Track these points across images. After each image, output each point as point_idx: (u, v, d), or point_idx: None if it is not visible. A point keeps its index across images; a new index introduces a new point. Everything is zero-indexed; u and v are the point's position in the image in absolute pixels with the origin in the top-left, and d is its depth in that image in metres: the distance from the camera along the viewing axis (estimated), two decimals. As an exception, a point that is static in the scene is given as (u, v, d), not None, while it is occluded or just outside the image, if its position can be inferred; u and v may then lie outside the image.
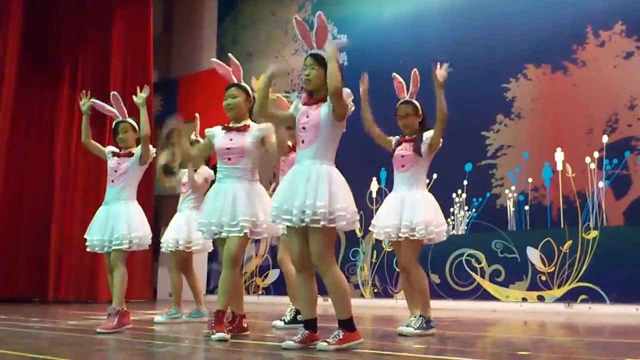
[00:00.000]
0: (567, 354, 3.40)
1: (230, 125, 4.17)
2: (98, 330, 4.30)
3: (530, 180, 7.52)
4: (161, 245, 5.85)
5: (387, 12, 8.98)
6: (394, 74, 4.51)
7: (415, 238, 4.12)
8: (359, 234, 8.44)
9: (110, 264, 4.62)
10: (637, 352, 3.47)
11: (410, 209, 4.15)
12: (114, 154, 4.75)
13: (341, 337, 3.25)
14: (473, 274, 7.68)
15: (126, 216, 4.61)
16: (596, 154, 7.15)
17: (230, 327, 4.16)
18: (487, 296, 7.55)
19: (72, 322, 5.29)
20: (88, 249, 4.73)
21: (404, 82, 4.47)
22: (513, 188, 7.61)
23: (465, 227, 7.84)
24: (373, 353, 3.22)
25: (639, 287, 6.69)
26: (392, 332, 4.36)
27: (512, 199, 7.60)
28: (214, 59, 4.51)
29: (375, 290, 8.37)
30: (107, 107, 4.84)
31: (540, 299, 7.23)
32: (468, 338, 4.24)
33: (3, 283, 8.52)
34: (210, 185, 4.63)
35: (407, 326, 4.13)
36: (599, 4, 7.38)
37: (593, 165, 7.15)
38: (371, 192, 8.45)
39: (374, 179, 8.43)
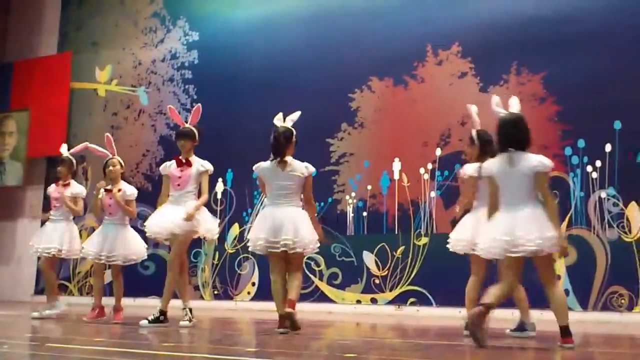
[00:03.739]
0: (393, 355, 3.58)
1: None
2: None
3: (369, 187, 7.84)
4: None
5: (240, 15, 8.97)
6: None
7: None
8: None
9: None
10: (454, 353, 3.73)
11: None
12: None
13: None
14: (312, 276, 7.86)
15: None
16: (430, 166, 7.61)
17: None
18: (324, 298, 7.78)
19: None
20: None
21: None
22: (353, 194, 7.90)
23: (307, 231, 7.99)
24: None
25: (461, 291, 7.14)
26: (230, 334, 4.33)
27: (352, 205, 7.89)
28: None
29: (216, 292, 8.32)
30: (100, 148, 5.68)
31: (373, 301, 7.56)
32: (303, 340, 4.33)
33: None
34: None
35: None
36: (440, 25, 7.85)
37: (427, 176, 7.61)
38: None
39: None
